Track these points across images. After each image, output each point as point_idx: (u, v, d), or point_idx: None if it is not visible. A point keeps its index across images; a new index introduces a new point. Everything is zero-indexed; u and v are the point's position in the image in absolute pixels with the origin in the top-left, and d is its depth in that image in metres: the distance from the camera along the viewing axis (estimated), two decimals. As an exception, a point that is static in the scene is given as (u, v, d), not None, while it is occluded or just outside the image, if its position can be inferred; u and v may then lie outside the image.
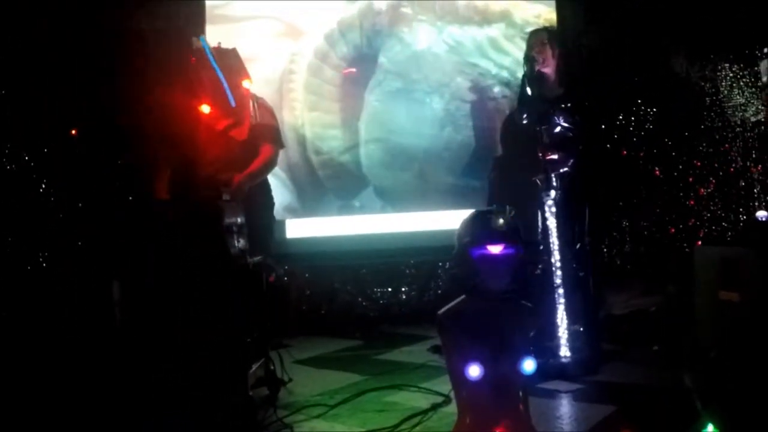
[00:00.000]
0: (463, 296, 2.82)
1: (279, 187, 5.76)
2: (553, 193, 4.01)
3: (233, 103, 3.73)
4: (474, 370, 2.63)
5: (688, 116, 6.15)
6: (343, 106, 5.87)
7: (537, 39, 4.24)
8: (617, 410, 3.23)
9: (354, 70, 5.89)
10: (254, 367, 3.45)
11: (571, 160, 4.13)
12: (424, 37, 5.91)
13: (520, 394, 2.77)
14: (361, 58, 5.89)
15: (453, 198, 5.67)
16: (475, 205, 5.35)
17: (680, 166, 6.18)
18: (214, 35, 5.70)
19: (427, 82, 5.88)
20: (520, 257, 2.73)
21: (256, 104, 4.12)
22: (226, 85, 3.71)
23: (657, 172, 6.20)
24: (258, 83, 5.70)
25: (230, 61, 3.90)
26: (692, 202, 6.19)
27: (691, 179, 6.20)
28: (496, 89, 5.87)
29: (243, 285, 3.39)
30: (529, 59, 4.17)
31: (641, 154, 6.07)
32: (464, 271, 2.75)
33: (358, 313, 5.86)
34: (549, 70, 4.20)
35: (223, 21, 5.87)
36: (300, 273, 5.81)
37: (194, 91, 3.67)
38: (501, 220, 2.67)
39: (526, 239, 4.05)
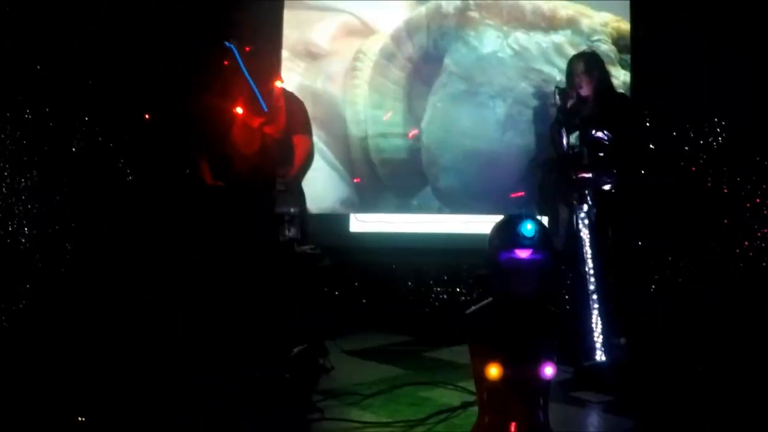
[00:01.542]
0: (490, 299, 2.90)
1: (338, 181, 5.93)
2: (585, 207, 4.13)
3: (265, 108, 3.93)
4: (494, 371, 2.71)
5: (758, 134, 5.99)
6: (407, 106, 5.97)
7: (575, 68, 4.50)
8: (636, 425, 3.24)
9: (420, 70, 5.98)
10: (296, 350, 3.61)
11: (605, 177, 4.30)
12: (490, 41, 5.94)
13: (540, 399, 2.84)
14: (427, 59, 5.97)
15: (511, 202, 5.70)
16: (531, 209, 5.43)
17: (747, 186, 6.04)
18: (291, 23, 5.98)
19: (491, 85, 5.92)
20: (548, 263, 2.79)
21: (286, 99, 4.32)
22: (256, 89, 3.90)
23: (725, 190, 6.07)
24: (323, 77, 5.99)
25: (261, 64, 4.10)
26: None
27: (758, 200, 6.05)
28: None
29: (289, 271, 3.54)
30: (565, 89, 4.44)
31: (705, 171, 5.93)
32: (492, 274, 2.83)
33: (415, 309, 5.96)
34: (586, 93, 4.45)
35: (301, 7, 6.07)
36: (360, 266, 5.94)
37: (229, 93, 3.90)
38: (530, 226, 2.74)
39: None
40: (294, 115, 4.36)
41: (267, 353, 3.43)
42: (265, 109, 3.93)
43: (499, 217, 2.88)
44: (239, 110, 3.96)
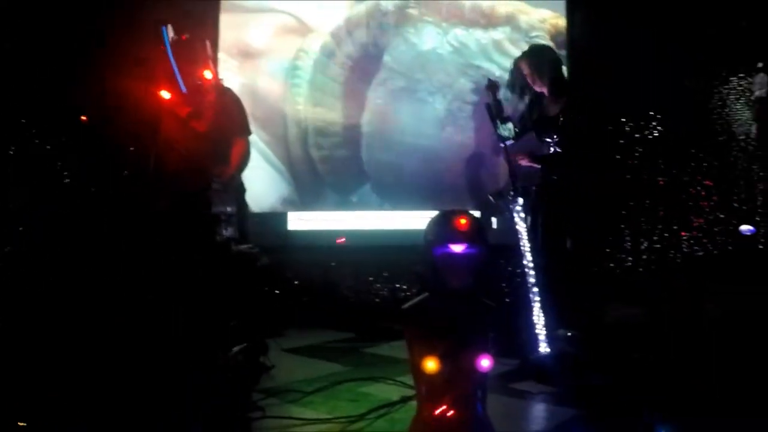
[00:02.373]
0: (426, 293, 2.92)
1: (278, 180, 5.90)
2: (521, 200, 4.15)
3: (183, 89, 3.85)
4: (431, 365, 2.72)
5: (693, 128, 6.18)
6: (347, 103, 5.98)
7: (521, 63, 4.44)
8: (576, 415, 3.29)
9: (360, 67, 5.99)
10: (234, 350, 3.57)
11: (545, 168, 4.34)
12: (430, 37, 6.00)
13: (478, 391, 2.86)
14: (367, 57, 6.00)
15: (452, 198, 5.76)
16: (472, 204, 5.49)
17: (683, 178, 6.22)
18: (228, 24, 5.92)
19: (430, 82, 5.97)
20: (483, 257, 2.82)
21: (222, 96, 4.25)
22: (177, 71, 3.83)
23: (661, 182, 6.24)
24: (263, 76, 5.94)
25: (192, 52, 4.02)
26: (693, 215, 6.23)
27: (692, 191, 6.23)
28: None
29: (226, 271, 3.50)
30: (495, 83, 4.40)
31: (642, 163, 6.10)
32: (428, 268, 2.85)
33: (354, 307, 5.97)
34: (539, 89, 4.43)
35: (238, 10, 6.01)
36: (300, 265, 5.93)
37: (153, 78, 3.83)
38: (464, 221, 2.76)
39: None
40: (232, 116, 4.30)
41: (205, 354, 3.37)
42: (184, 90, 3.84)
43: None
44: (165, 94, 3.85)
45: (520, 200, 4.14)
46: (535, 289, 4.05)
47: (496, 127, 4.32)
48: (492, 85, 4.35)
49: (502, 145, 4.35)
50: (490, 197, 4.45)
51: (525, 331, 4.14)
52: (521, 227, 4.12)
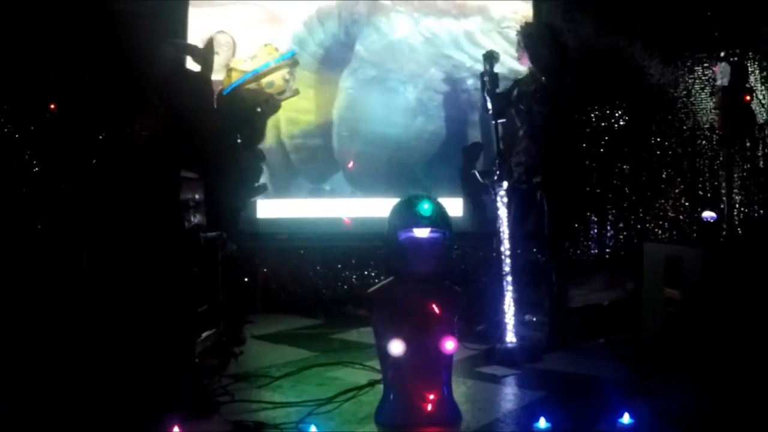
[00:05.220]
0: (391, 277, 2.97)
1: (250, 167, 5.89)
2: (505, 183, 4.15)
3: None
4: (396, 347, 2.78)
5: (657, 117, 6.28)
6: (318, 92, 5.99)
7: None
8: (542, 397, 3.36)
9: (331, 56, 6.02)
10: (203, 335, 3.59)
11: (533, 152, 4.31)
12: (401, 27, 6.02)
13: (444, 374, 2.92)
14: (338, 46, 6.01)
15: (422, 186, 5.79)
16: (444, 192, 5.53)
17: (649, 165, 6.32)
18: (197, 17, 5.90)
19: (401, 72, 6.00)
20: (446, 241, 2.87)
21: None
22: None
23: (625, 169, 6.33)
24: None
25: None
26: (659, 201, 6.33)
27: (662, 177, 6.33)
28: (470, 81, 5.96)
29: (193, 258, 3.52)
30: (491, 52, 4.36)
31: (608, 151, 6.19)
32: (393, 253, 2.90)
33: (324, 293, 6.02)
34: (524, 64, 4.45)
35: (207, 4, 5.99)
36: (269, 252, 5.95)
37: None
38: (428, 206, 2.82)
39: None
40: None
41: (173, 341, 3.40)
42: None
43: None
44: None
45: (505, 183, 4.13)
46: (509, 278, 4.09)
47: (487, 100, 4.28)
48: (489, 55, 4.30)
49: (493, 122, 4.32)
50: (477, 174, 4.45)
51: (492, 317, 4.21)
52: (502, 212, 4.12)
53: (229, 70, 4.59)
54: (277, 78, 4.69)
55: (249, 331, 4.66)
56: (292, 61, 4.75)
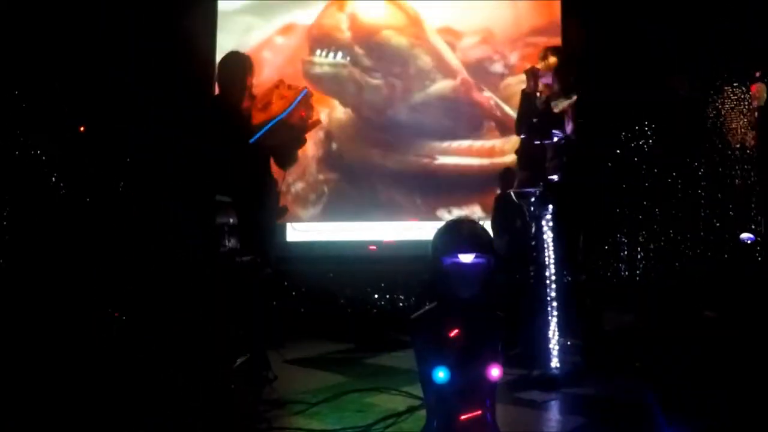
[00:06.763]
0: (435, 303, 2.92)
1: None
2: (550, 207, 4.07)
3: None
4: (440, 374, 2.72)
5: (689, 137, 6.23)
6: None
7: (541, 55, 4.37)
8: (583, 423, 3.30)
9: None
10: (239, 361, 3.56)
11: (566, 173, 4.24)
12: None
13: (487, 401, 2.86)
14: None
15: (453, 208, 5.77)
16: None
17: (681, 185, 6.26)
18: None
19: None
20: (490, 267, 2.82)
21: None
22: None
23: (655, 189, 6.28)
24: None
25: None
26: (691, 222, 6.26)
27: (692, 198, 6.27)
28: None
29: (229, 283, 3.50)
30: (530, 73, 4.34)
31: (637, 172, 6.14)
32: (437, 278, 2.85)
33: (354, 317, 5.97)
34: (549, 83, 4.36)
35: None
36: (299, 276, 5.92)
37: None
38: (473, 231, 2.77)
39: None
40: None
41: (210, 366, 3.36)
42: None
43: (438, 223, 2.89)
44: None
45: (550, 207, 4.03)
46: (555, 303, 4.00)
47: (527, 117, 4.23)
48: (533, 72, 4.25)
49: (537, 142, 4.24)
50: (513, 194, 4.36)
51: (533, 343, 4.14)
52: (548, 236, 4.02)
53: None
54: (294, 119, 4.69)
55: (283, 355, 4.61)
56: (305, 99, 4.72)
